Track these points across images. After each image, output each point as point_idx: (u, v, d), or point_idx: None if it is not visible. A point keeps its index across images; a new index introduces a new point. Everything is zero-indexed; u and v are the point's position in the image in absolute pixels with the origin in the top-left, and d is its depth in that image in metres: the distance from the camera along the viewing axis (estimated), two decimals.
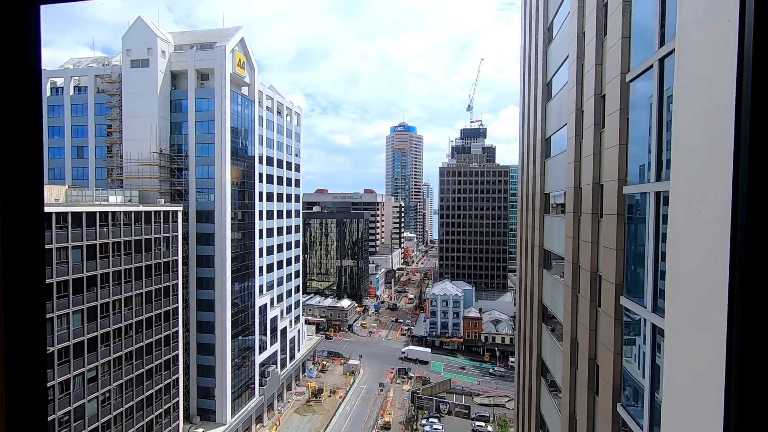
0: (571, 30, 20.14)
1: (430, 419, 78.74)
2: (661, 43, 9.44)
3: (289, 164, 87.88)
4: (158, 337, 54.30)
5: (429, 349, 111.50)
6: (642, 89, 10.87)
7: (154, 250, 53.56)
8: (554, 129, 25.11)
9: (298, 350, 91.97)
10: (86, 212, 44.61)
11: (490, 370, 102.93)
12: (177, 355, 57.80)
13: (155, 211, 54.15)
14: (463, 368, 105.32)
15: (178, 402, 58.50)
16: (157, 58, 62.88)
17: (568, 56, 20.93)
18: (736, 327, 1.57)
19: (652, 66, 9.75)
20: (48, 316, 40.65)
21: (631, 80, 11.28)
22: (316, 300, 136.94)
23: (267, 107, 79.37)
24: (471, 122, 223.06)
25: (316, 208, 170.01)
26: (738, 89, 1.40)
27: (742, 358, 1.57)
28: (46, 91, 68.88)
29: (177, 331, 57.68)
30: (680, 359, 2.88)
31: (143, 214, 52.06)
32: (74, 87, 69.10)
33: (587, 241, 16.94)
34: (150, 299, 52.87)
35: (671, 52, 8.85)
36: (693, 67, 2.42)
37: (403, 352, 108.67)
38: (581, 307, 17.84)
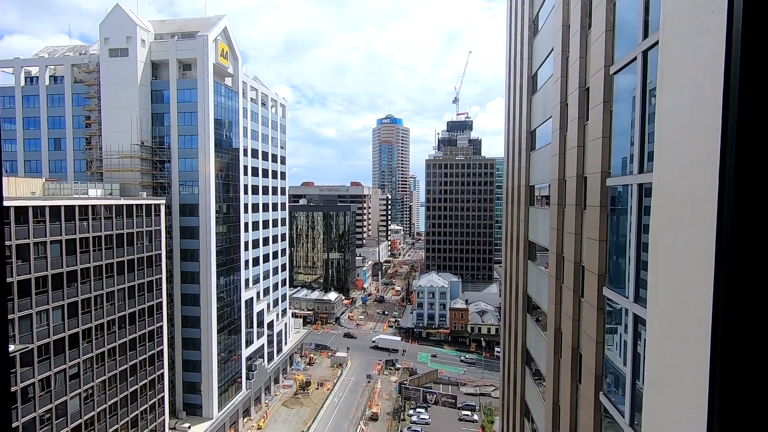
0: (555, 23, 20.20)
1: (418, 409, 79.77)
2: (645, 34, 9.50)
3: (274, 156, 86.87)
4: (142, 332, 53.52)
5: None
6: (625, 82, 10.95)
7: (137, 244, 52.56)
8: (539, 121, 25.27)
9: (285, 343, 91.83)
10: (65, 206, 43.45)
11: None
12: (162, 350, 57.12)
13: (137, 205, 53.04)
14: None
15: (163, 397, 57.96)
16: (137, 47, 61.16)
17: (553, 49, 21.02)
18: (721, 317, 1.57)
19: (635, 58, 9.81)
20: (27, 312, 39.70)
21: (615, 73, 11.36)
22: (303, 293, 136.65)
23: (251, 98, 78.10)
24: (457, 114, 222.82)
25: (302, 201, 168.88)
26: (726, 81, 1.39)
27: (726, 346, 1.57)
28: (20, 80, 66.53)
29: (161, 326, 56.96)
30: (661, 348, 2.92)
31: (125, 207, 50.94)
32: (50, 76, 66.89)
33: (571, 232, 17.16)
34: (133, 294, 51.97)
35: (655, 44, 8.91)
36: (677, 59, 2.41)
37: (374, 341, 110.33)
38: (565, 297, 18.13)
